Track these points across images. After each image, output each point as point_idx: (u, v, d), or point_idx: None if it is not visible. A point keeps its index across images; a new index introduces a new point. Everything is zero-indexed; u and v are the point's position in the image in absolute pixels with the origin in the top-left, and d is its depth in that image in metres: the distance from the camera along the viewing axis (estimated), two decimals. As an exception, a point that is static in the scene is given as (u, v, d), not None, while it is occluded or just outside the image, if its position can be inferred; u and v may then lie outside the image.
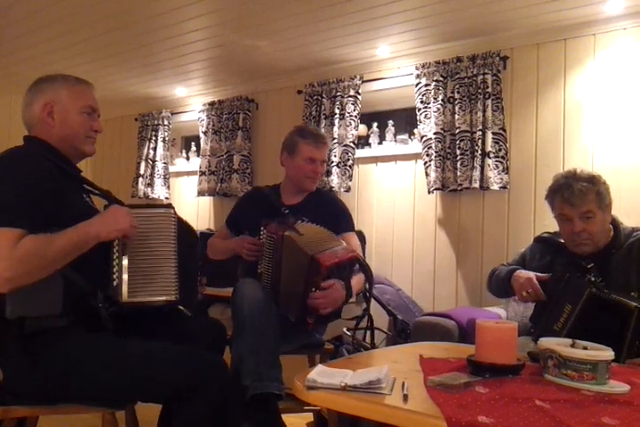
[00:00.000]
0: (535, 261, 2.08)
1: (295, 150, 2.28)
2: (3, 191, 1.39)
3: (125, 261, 1.51)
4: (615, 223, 1.95)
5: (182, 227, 1.68)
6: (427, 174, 3.14)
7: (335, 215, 2.28)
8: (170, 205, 1.65)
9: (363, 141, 3.64)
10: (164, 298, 1.55)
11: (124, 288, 1.50)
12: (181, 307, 1.64)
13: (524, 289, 1.91)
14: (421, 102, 3.18)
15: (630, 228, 1.95)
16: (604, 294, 1.65)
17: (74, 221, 1.42)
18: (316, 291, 1.89)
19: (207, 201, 4.38)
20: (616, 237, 1.92)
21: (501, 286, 2.08)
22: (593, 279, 1.69)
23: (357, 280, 2.09)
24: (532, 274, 1.95)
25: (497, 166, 2.93)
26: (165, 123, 4.57)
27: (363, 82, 3.47)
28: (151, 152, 4.61)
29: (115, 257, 1.51)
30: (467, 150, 3.01)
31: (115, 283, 1.50)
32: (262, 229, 2.10)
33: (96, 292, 1.49)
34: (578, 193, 1.86)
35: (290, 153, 2.29)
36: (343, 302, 1.98)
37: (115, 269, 1.51)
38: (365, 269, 2.09)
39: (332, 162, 3.47)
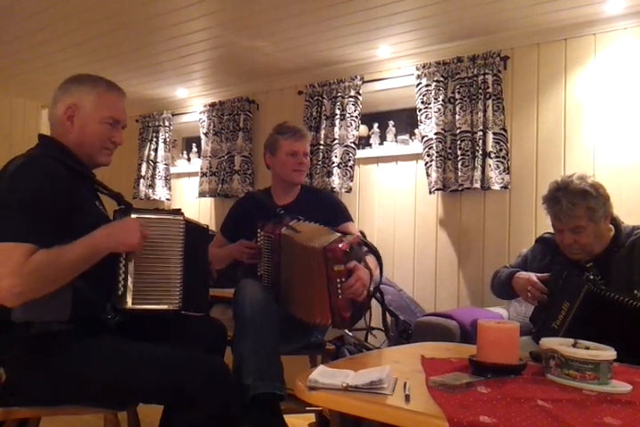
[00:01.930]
0: (536, 262, 2.09)
1: (276, 148, 2.30)
2: (13, 206, 1.36)
3: (131, 268, 1.49)
4: (616, 222, 1.95)
5: (193, 229, 1.64)
6: (428, 175, 3.14)
7: (330, 208, 2.29)
8: (179, 211, 1.61)
9: (363, 142, 3.64)
10: (166, 307, 1.54)
11: (129, 295, 1.48)
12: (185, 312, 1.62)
13: (525, 289, 1.92)
14: (422, 103, 3.18)
15: (631, 226, 1.95)
16: (602, 291, 1.65)
17: (86, 230, 1.41)
18: (343, 280, 1.80)
19: (208, 202, 4.38)
20: (617, 237, 1.92)
21: (503, 288, 2.09)
22: (591, 277, 1.69)
23: (370, 260, 2.04)
24: (531, 274, 1.95)
25: (498, 166, 2.93)
26: (166, 124, 4.58)
27: (363, 82, 3.47)
28: (152, 153, 4.61)
29: (121, 265, 1.49)
30: (467, 151, 3.00)
31: (120, 292, 1.48)
32: (259, 231, 2.10)
33: (104, 302, 1.49)
34: (566, 210, 1.84)
35: (272, 153, 2.31)
36: (370, 282, 1.91)
37: (121, 278, 1.49)
38: (371, 248, 2.08)
39: (333, 162, 3.48)
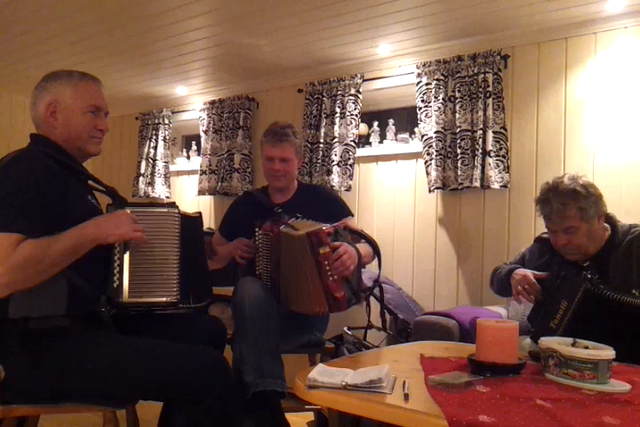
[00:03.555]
0: (534, 261, 2.09)
1: (261, 149, 2.31)
2: (2, 197, 1.37)
3: (126, 262, 1.50)
4: (612, 221, 1.95)
5: (188, 221, 1.64)
6: (427, 173, 3.14)
7: (328, 203, 2.29)
8: (174, 204, 1.61)
9: (363, 140, 3.64)
10: (164, 299, 1.54)
11: (125, 289, 1.49)
12: (183, 305, 1.62)
13: (519, 285, 1.92)
14: (422, 101, 3.18)
15: (628, 225, 1.94)
16: (600, 289, 1.65)
17: (76, 224, 1.41)
18: (330, 263, 1.83)
19: (208, 200, 4.38)
20: (613, 236, 1.91)
21: (502, 285, 2.09)
22: (589, 276, 1.69)
23: (361, 246, 2.06)
24: (528, 272, 1.96)
25: (497, 165, 2.93)
26: (166, 122, 4.57)
27: (363, 81, 3.46)
28: (152, 151, 4.61)
29: (116, 258, 1.50)
30: (467, 149, 3.00)
31: (115, 284, 1.49)
32: (257, 229, 2.10)
33: (99, 295, 1.49)
34: (557, 211, 1.84)
35: (261, 153, 2.32)
36: (358, 261, 1.92)
37: (116, 271, 1.49)
38: (364, 236, 2.09)
39: (333, 161, 3.47)
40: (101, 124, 1.62)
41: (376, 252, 2.12)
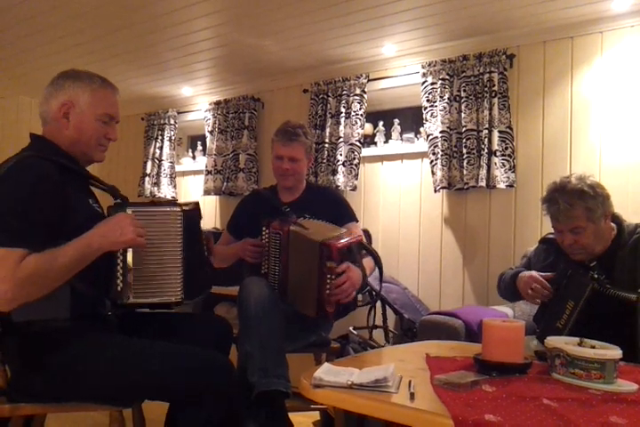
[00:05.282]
0: (540, 263, 2.08)
1: (272, 148, 2.31)
2: (3, 211, 1.35)
3: (130, 263, 1.49)
4: (618, 221, 1.94)
5: (188, 216, 1.60)
6: (433, 173, 3.13)
7: (335, 205, 2.30)
8: (175, 203, 1.59)
9: (369, 140, 3.64)
10: (168, 300, 1.54)
11: (129, 291, 1.48)
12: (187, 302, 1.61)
13: (528, 286, 1.91)
14: (427, 101, 3.17)
15: (634, 224, 1.93)
16: (606, 289, 1.64)
17: (79, 231, 1.40)
18: (334, 278, 1.85)
19: (213, 200, 4.38)
20: (620, 235, 1.90)
21: (509, 289, 2.08)
22: (596, 276, 1.68)
23: (366, 261, 2.07)
24: (534, 272, 1.95)
25: (503, 165, 2.92)
26: (172, 122, 4.58)
27: (368, 80, 3.46)
28: (157, 151, 4.62)
29: (119, 260, 1.49)
30: (473, 149, 3.00)
31: (119, 288, 1.48)
32: (264, 228, 2.10)
33: (102, 299, 1.48)
34: (563, 210, 1.83)
35: (272, 152, 2.33)
36: (361, 284, 1.95)
37: (119, 274, 1.48)
38: (370, 251, 2.10)
39: (338, 161, 3.48)
40: (111, 133, 1.62)
41: (378, 267, 2.12)
